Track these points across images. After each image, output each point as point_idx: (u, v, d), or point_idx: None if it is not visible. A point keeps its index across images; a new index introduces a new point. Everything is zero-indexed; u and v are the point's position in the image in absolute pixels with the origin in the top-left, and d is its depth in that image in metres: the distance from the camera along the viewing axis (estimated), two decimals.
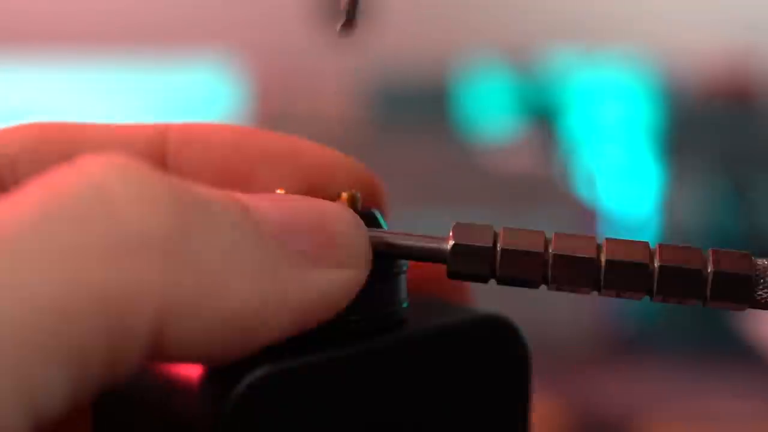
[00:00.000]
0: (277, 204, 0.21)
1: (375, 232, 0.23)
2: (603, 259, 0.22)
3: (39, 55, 1.57)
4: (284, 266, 0.20)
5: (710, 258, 0.22)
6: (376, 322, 0.23)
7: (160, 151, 0.26)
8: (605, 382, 1.07)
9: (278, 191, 0.23)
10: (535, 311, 0.84)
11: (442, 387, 0.23)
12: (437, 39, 1.58)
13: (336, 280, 0.21)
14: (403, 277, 0.24)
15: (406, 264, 0.24)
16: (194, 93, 1.59)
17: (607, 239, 0.23)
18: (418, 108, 1.53)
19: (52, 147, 0.25)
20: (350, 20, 0.26)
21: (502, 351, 0.24)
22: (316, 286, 0.21)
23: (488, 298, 0.26)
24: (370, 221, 0.23)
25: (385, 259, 0.23)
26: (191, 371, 0.22)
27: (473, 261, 0.23)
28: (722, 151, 1.46)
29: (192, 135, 0.26)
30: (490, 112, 1.54)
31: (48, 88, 1.58)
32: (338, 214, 0.22)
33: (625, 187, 1.48)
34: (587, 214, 1.16)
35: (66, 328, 0.17)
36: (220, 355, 0.20)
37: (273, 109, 1.53)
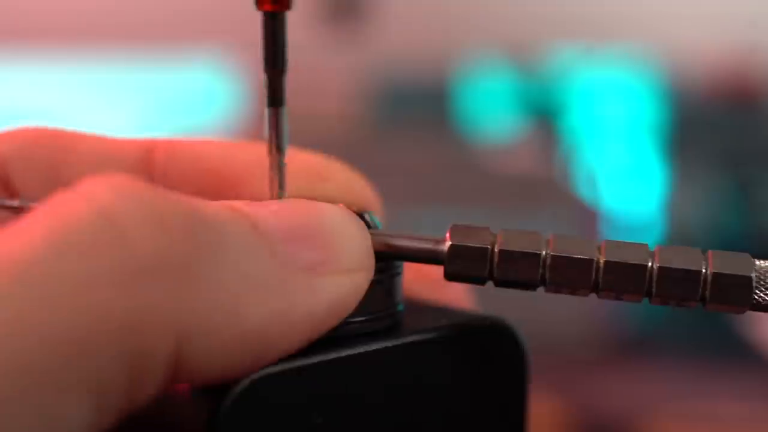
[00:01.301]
0: (277, 211, 0.21)
1: (372, 234, 0.22)
2: (601, 261, 0.22)
3: (37, 54, 1.57)
4: (294, 277, 0.20)
5: (709, 260, 0.22)
6: (372, 325, 0.23)
7: (147, 165, 0.25)
8: (606, 382, 1.07)
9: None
10: (536, 311, 0.84)
11: (439, 390, 0.23)
12: (438, 38, 1.58)
13: (343, 286, 0.21)
14: (398, 279, 0.24)
15: (401, 266, 0.24)
16: (193, 91, 1.59)
17: (605, 241, 0.22)
18: (419, 107, 1.53)
19: (44, 152, 0.25)
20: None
21: (499, 354, 0.24)
22: (325, 293, 0.21)
23: (488, 297, 0.26)
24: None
25: (381, 260, 0.23)
26: None
27: (471, 263, 0.22)
28: (725, 149, 1.46)
29: (179, 150, 0.26)
30: (491, 111, 1.54)
31: (46, 86, 1.59)
32: (338, 217, 0.22)
33: (628, 186, 1.48)
34: (589, 214, 1.16)
35: (84, 359, 0.17)
36: (238, 372, 0.20)
37: None
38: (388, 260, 0.23)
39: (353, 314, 0.22)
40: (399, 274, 0.24)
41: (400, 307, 0.24)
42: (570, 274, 0.22)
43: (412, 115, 1.51)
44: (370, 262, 0.22)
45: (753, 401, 1.05)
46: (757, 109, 1.49)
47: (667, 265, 0.22)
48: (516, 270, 0.22)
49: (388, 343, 0.22)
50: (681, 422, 1.00)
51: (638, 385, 1.06)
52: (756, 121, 1.49)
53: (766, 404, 1.05)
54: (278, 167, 0.24)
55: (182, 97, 1.58)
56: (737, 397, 1.05)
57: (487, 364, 0.24)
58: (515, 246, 0.22)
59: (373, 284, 0.22)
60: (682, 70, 1.52)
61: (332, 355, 0.21)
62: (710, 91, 1.50)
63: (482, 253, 0.22)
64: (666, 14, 1.60)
